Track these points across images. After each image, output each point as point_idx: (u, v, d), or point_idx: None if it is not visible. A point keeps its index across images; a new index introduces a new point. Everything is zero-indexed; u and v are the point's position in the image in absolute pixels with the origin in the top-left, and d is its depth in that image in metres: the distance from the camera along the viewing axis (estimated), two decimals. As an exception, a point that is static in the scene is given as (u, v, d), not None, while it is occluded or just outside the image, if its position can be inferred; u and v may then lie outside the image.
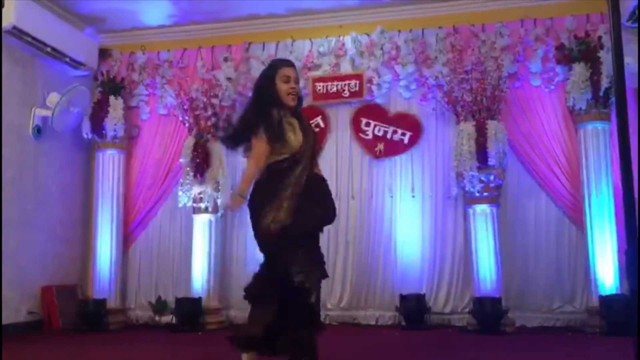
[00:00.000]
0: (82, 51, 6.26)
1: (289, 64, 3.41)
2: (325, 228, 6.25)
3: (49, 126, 5.93)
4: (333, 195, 5.99)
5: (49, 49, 5.83)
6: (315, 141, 3.40)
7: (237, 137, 3.36)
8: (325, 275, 3.23)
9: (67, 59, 6.10)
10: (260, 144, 3.15)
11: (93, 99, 6.35)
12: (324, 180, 3.37)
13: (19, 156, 5.69)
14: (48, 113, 5.86)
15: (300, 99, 3.35)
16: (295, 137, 3.18)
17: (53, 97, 5.88)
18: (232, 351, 3.12)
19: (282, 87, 3.24)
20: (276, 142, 3.15)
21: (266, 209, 3.08)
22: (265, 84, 3.29)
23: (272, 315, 3.04)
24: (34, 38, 5.60)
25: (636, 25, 5.09)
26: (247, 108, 3.38)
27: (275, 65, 3.35)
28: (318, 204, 3.23)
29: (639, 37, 5.07)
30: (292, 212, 3.07)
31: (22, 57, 5.75)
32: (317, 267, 3.17)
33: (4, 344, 4.41)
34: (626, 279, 4.55)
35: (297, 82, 3.31)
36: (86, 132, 6.30)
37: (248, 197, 3.16)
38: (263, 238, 3.12)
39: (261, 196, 3.15)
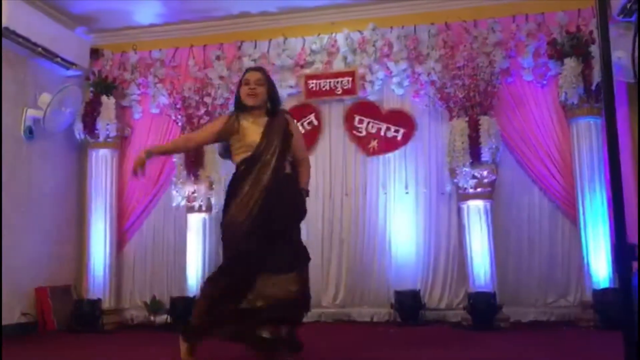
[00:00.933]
0: (73, 51, 6.23)
1: (252, 69, 3.78)
2: (319, 225, 6.29)
3: (41, 127, 5.89)
4: (327, 193, 6.10)
5: (40, 49, 5.80)
6: (284, 141, 3.54)
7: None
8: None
9: (59, 59, 6.06)
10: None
11: (85, 99, 6.33)
12: (292, 179, 3.57)
13: (11, 157, 5.66)
14: (40, 113, 5.83)
15: (274, 101, 3.63)
16: (249, 135, 3.48)
17: (45, 98, 5.85)
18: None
19: (243, 90, 3.56)
20: (230, 138, 3.55)
21: (230, 206, 3.41)
22: (236, 93, 3.68)
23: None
24: (25, 38, 5.56)
25: (628, 19, 5.10)
26: None
27: (243, 74, 3.70)
28: (285, 203, 3.45)
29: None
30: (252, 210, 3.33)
31: (13, 58, 5.71)
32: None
33: (-3, 345, 4.40)
34: (616, 272, 4.58)
35: (259, 83, 3.57)
36: (78, 132, 6.28)
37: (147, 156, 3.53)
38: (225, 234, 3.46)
39: (227, 195, 3.50)
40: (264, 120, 3.54)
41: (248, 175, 3.40)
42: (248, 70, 3.74)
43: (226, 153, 3.65)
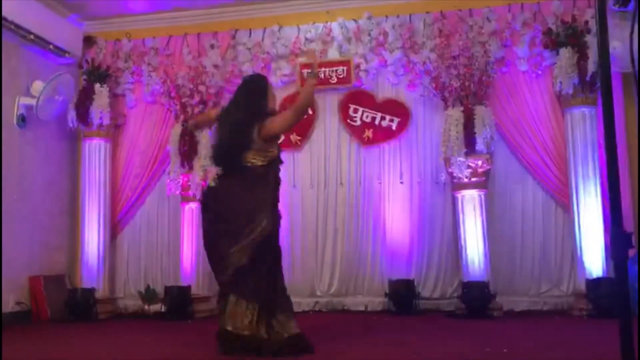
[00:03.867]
0: (66, 39, 6.17)
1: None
2: (314, 215, 6.29)
3: (34, 115, 5.85)
4: (321, 182, 6.11)
5: (32, 37, 5.75)
6: None
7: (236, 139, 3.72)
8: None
9: (51, 47, 6.01)
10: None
11: (78, 87, 6.29)
12: None
13: (3, 145, 5.62)
14: (32, 101, 5.79)
15: None
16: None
17: (37, 86, 5.80)
18: None
19: (272, 105, 3.91)
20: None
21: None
22: (261, 96, 3.83)
23: None
24: (17, 26, 5.51)
25: (623, 9, 5.09)
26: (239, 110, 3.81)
27: (268, 84, 4.00)
28: None
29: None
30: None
31: (5, 46, 5.64)
32: None
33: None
34: (611, 259, 4.60)
35: None
36: (71, 120, 6.23)
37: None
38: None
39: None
40: None
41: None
42: (270, 84, 4.07)
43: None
